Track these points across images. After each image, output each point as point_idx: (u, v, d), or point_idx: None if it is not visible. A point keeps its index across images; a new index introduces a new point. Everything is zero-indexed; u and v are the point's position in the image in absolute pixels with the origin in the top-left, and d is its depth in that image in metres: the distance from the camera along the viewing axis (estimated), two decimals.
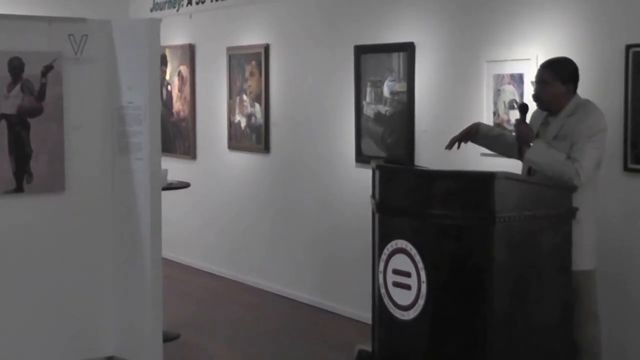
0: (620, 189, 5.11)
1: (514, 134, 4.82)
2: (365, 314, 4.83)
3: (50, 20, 5.44)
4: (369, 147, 6.87)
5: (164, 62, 9.51)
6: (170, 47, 9.41)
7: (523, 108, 4.72)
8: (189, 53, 9.14)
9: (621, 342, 5.18)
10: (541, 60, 5.23)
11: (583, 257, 4.55)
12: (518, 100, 5.60)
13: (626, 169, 5.07)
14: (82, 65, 5.51)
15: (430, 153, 6.34)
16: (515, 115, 5.22)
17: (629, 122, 5.03)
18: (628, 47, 5.02)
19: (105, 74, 5.57)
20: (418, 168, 4.98)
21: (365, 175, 4.67)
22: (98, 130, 5.59)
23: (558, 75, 4.64)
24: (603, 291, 4.97)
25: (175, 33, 9.32)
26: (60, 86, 5.41)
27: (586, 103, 4.66)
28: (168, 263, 8.95)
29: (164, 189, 6.40)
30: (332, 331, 6.81)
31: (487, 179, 4.19)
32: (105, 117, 5.60)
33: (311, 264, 7.61)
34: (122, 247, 5.59)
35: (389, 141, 6.71)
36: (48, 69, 5.37)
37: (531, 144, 4.57)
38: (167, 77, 9.52)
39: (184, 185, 7.06)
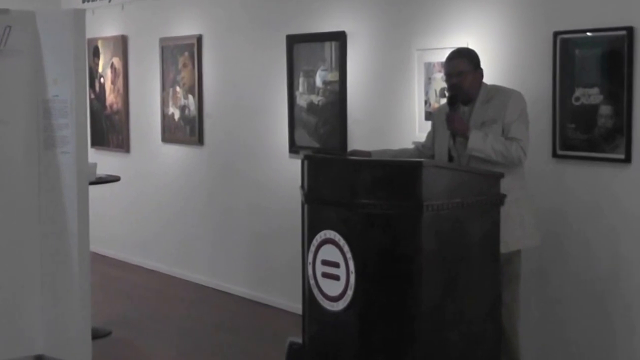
0: (550, 174, 5.13)
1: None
2: (299, 306, 4.78)
3: None
4: (302, 138, 6.82)
5: (96, 54, 9.37)
6: (102, 39, 9.27)
7: (453, 100, 4.73)
8: (122, 45, 9.01)
9: (544, 323, 5.22)
10: (472, 48, 5.24)
11: (525, 236, 4.67)
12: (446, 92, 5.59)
13: (555, 155, 5.09)
14: (6, 58, 5.37)
15: (364, 142, 6.30)
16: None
17: (557, 108, 5.05)
18: (556, 34, 5.03)
19: (29, 67, 5.44)
20: (346, 158, 4.93)
21: (299, 166, 4.63)
22: (23, 125, 5.46)
23: (471, 63, 4.73)
24: (531, 274, 5.00)
25: (107, 25, 9.18)
26: None
27: (497, 86, 4.79)
28: (101, 259, 8.87)
29: (93, 183, 6.31)
30: (266, 324, 6.77)
31: (414, 167, 4.16)
32: (31, 111, 5.47)
33: (245, 256, 7.56)
34: (49, 243, 5.46)
35: (322, 131, 6.67)
36: None
37: (469, 135, 4.57)
38: (100, 69, 9.37)
39: (114, 179, 6.95)
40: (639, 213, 4.76)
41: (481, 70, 4.77)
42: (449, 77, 4.77)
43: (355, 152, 5.06)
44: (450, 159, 4.70)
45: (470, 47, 5.17)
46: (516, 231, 4.58)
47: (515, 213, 4.55)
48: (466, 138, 4.58)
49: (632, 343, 4.85)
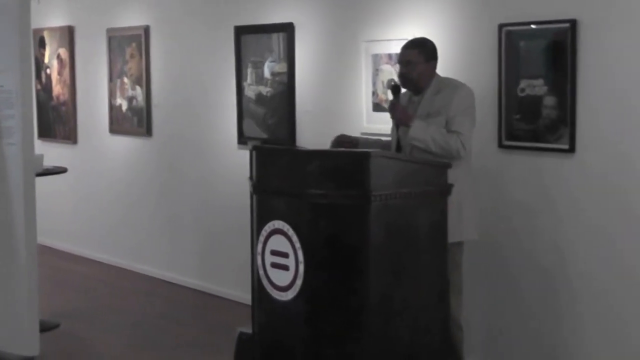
0: (495, 165, 5.20)
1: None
2: (248, 296, 4.79)
3: None
4: (251, 129, 6.83)
5: (42, 44, 9.27)
6: (48, 29, 9.17)
7: (396, 89, 4.78)
8: (68, 35, 8.92)
9: (490, 314, 5.29)
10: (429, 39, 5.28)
11: (461, 229, 4.69)
12: (396, 79, 5.62)
13: (501, 145, 5.16)
14: None
15: (312, 133, 6.34)
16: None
17: (502, 100, 5.11)
18: (501, 26, 5.09)
19: None
20: (294, 148, 4.94)
21: (247, 157, 4.64)
22: None
23: (423, 54, 4.76)
24: (477, 263, 5.06)
25: (53, 15, 9.09)
26: None
27: (449, 79, 4.82)
28: (49, 251, 8.79)
29: (40, 174, 6.25)
30: (216, 315, 6.77)
31: (362, 157, 4.18)
32: None
33: (194, 247, 7.55)
34: None
35: (270, 122, 6.68)
36: None
37: (411, 125, 4.62)
38: (46, 60, 9.27)
39: (61, 171, 6.89)
40: (583, 202, 4.84)
41: (434, 62, 4.80)
42: (399, 65, 4.83)
43: (342, 137, 5.03)
44: (399, 149, 4.74)
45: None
46: (453, 223, 4.59)
47: (454, 205, 4.57)
48: (408, 127, 4.62)
49: (576, 332, 4.93)
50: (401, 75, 4.81)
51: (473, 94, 4.73)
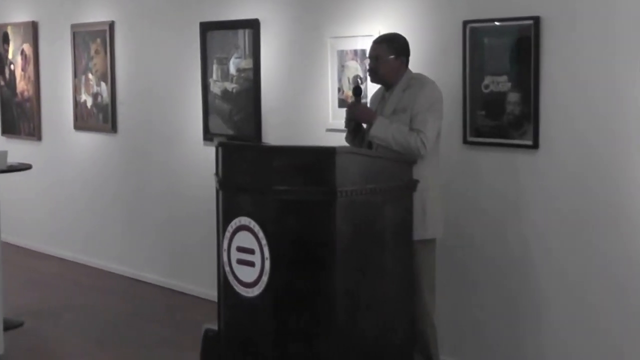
0: (460, 161, 5.22)
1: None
2: (214, 293, 4.79)
3: None
4: (217, 125, 6.81)
5: (6, 40, 9.19)
6: (12, 24, 9.09)
7: (357, 91, 4.80)
8: (32, 31, 8.84)
9: (457, 311, 5.32)
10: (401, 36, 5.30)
11: (425, 227, 4.67)
12: (362, 75, 5.65)
13: (465, 141, 5.19)
14: None
15: (278, 129, 6.35)
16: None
17: (467, 96, 5.14)
18: (465, 23, 5.12)
19: None
20: (260, 144, 4.94)
21: (213, 154, 4.63)
22: None
23: (391, 50, 4.75)
24: (441, 260, 5.08)
25: (17, 10, 9.02)
26: None
27: (419, 76, 4.80)
28: (12, 248, 8.71)
29: (4, 171, 6.21)
30: (181, 312, 6.75)
31: (328, 154, 4.19)
32: None
33: (161, 244, 7.52)
34: None
35: (236, 118, 6.67)
36: None
37: (373, 122, 4.63)
38: (10, 56, 9.19)
39: (25, 167, 6.82)
40: (547, 197, 4.88)
41: (405, 58, 4.78)
42: (369, 59, 4.82)
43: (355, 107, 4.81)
44: (370, 145, 4.73)
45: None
46: (422, 221, 4.61)
47: (419, 203, 4.59)
48: (371, 125, 4.63)
49: (540, 326, 4.98)
50: (370, 69, 4.81)
51: (439, 91, 4.72)
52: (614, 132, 4.57)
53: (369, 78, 4.91)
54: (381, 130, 4.58)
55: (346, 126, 4.86)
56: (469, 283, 5.29)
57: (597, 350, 4.74)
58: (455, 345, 5.30)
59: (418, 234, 4.61)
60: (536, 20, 4.81)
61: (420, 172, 4.57)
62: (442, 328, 4.98)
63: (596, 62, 4.62)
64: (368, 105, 5.02)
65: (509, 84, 4.96)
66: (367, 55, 4.86)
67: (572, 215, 4.79)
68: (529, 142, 4.90)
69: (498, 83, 5.01)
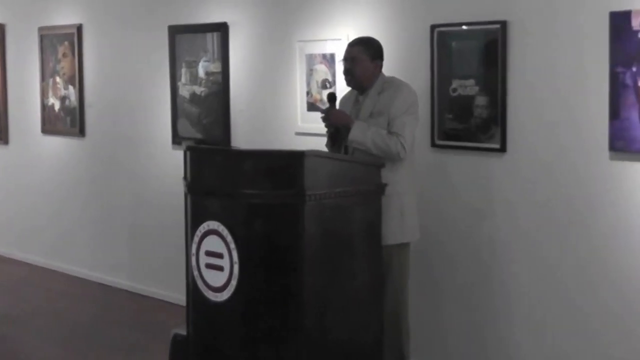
0: (429, 164, 5.25)
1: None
2: (183, 297, 4.78)
3: None
4: (185, 129, 6.80)
5: None
6: None
7: (332, 97, 4.80)
8: None
9: (424, 314, 5.34)
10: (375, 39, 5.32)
11: (403, 231, 4.69)
12: (330, 79, 5.66)
13: (434, 144, 5.21)
14: None
15: (247, 133, 6.35)
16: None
17: (435, 99, 5.17)
18: (433, 27, 5.15)
19: None
20: (229, 148, 4.93)
21: (181, 157, 4.62)
22: None
23: (367, 52, 4.75)
24: (412, 262, 5.10)
25: None
26: None
27: (393, 79, 4.81)
28: None
29: None
30: (150, 316, 6.73)
31: (297, 157, 4.19)
32: None
33: (129, 248, 7.50)
34: None
35: (205, 122, 6.66)
36: None
37: (350, 127, 4.62)
38: None
39: None
40: (514, 200, 4.92)
41: (379, 61, 4.78)
42: (344, 62, 4.81)
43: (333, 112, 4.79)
44: (346, 149, 4.73)
45: (351, 38, 5.23)
46: (395, 225, 4.62)
47: (395, 207, 4.61)
48: (348, 130, 4.63)
49: (509, 329, 5.01)
50: (345, 71, 4.79)
51: (415, 93, 4.73)
52: (581, 135, 4.61)
53: (338, 82, 4.90)
54: (359, 135, 4.58)
55: (329, 137, 4.85)
56: (437, 285, 5.31)
57: (568, 349, 4.78)
58: (423, 347, 5.32)
59: (396, 238, 4.63)
60: (503, 24, 4.84)
61: (397, 176, 4.58)
62: (411, 331, 4.99)
63: (563, 65, 4.67)
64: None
65: (477, 88, 4.99)
66: (342, 58, 4.83)
67: (539, 217, 4.83)
68: (497, 146, 4.93)
69: (466, 87, 5.04)
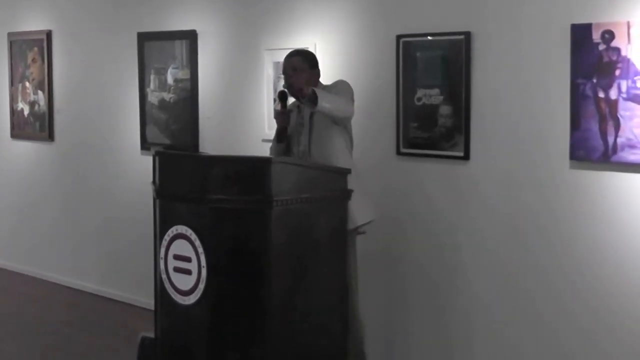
0: (394, 172, 5.33)
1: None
2: (151, 301, 4.82)
3: None
4: (154, 135, 6.85)
5: None
6: None
7: (283, 95, 4.89)
8: None
9: (389, 318, 5.43)
10: (319, 49, 5.43)
11: None
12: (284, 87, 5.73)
13: (399, 152, 5.30)
14: None
15: (215, 139, 6.40)
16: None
17: (400, 108, 5.25)
18: (399, 37, 5.24)
19: None
20: (197, 154, 4.98)
21: (150, 163, 4.68)
22: None
23: (306, 61, 4.89)
24: (375, 268, 5.18)
25: None
26: None
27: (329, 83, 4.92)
28: None
29: None
30: (117, 320, 6.75)
31: (263, 163, 4.27)
32: None
33: (96, 252, 7.52)
34: None
35: (173, 128, 6.71)
36: None
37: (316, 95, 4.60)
38: None
39: None
40: (478, 207, 5.01)
41: (318, 70, 4.92)
42: (284, 74, 4.92)
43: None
44: (289, 147, 4.82)
45: (318, 47, 5.35)
46: None
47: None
48: (311, 102, 4.58)
49: (472, 332, 5.10)
50: (289, 83, 4.87)
51: (351, 86, 4.82)
52: (542, 143, 4.70)
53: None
54: (325, 95, 4.59)
55: (277, 134, 4.93)
56: (402, 291, 5.39)
57: (532, 352, 4.87)
58: (385, 351, 5.40)
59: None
60: (467, 35, 4.94)
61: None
62: (373, 335, 5.07)
63: (525, 75, 4.75)
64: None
65: (441, 97, 5.08)
66: (282, 71, 4.95)
67: (502, 223, 4.91)
68: (460, 154, 5.02)
69: (430, 96, 5.13)
